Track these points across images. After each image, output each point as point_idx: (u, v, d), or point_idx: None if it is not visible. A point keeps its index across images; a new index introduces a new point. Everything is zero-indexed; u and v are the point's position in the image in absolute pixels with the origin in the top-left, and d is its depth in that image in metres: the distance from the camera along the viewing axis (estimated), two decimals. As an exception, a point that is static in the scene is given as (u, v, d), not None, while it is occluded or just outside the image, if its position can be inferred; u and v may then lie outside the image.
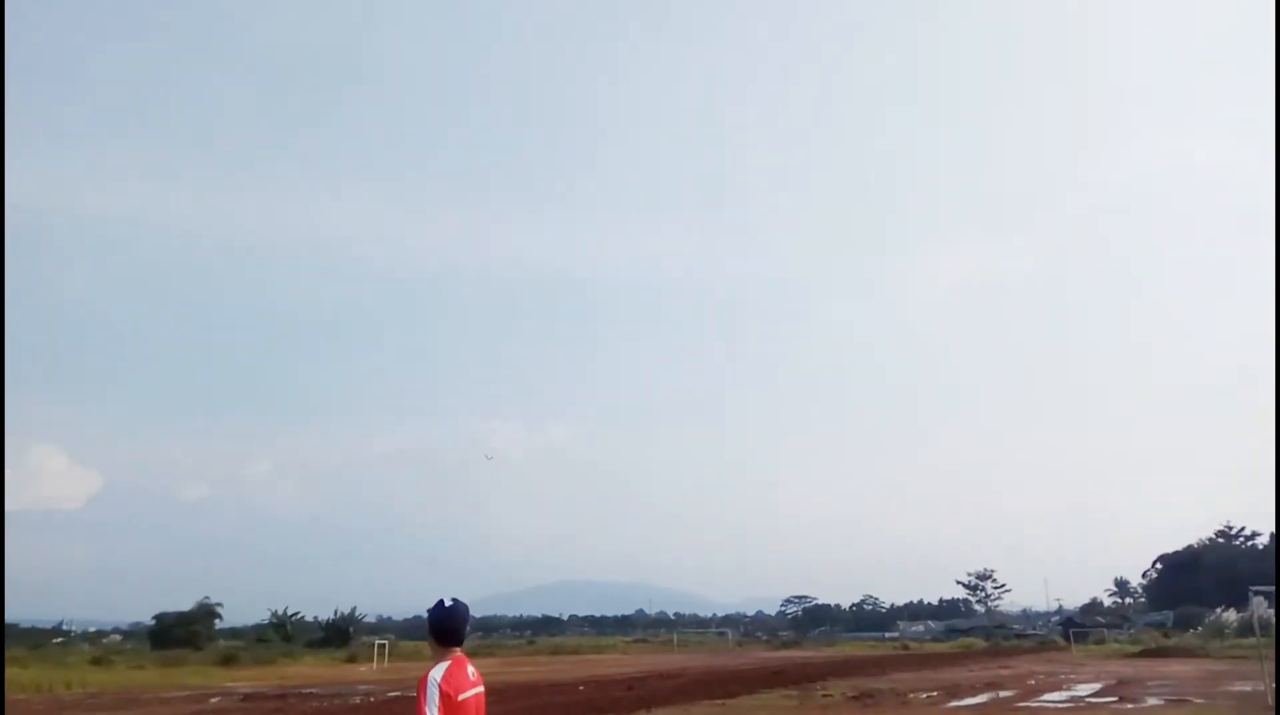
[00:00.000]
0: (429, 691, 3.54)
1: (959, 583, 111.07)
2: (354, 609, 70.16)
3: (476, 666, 3.86)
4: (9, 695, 28.27)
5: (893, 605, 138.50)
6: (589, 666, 42.44)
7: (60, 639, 76.80)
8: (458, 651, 3.76)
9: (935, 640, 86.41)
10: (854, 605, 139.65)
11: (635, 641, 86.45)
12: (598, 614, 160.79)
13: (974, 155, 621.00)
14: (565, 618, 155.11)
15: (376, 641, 55.58)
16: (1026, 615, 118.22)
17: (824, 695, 22.15)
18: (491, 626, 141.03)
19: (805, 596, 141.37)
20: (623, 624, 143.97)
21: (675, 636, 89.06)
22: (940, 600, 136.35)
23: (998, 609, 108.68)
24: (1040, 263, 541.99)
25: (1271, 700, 17.15)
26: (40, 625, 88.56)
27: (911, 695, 21.88)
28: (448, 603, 3.81)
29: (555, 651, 68.30)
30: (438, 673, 3.59)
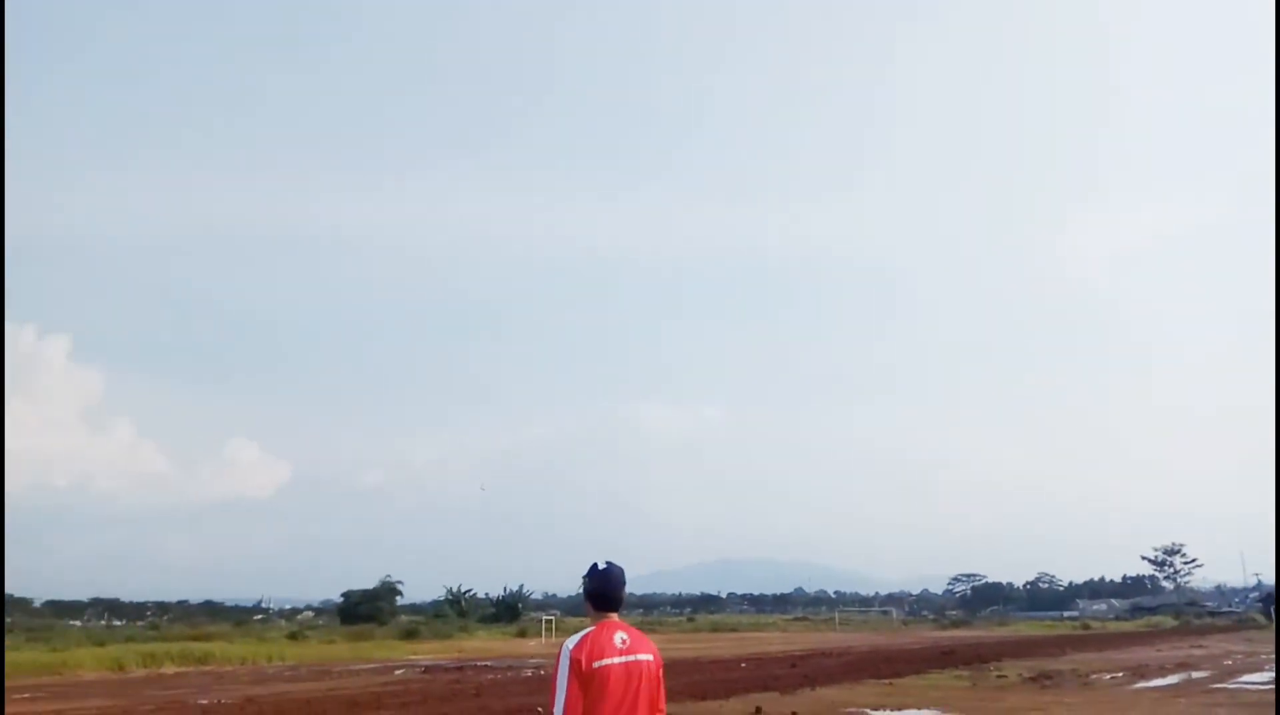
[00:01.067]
0: (560, 660, 3.27)
1: (1145, 558, 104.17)
2: (522, 586, 73.11)
3: (644, 633, 3.49)
4: (217, 666, 31.03)
5: (1071, 583, 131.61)
6: (750, 644, 42.51)
7: (260, 616, 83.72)
8: (612, 617, 3.45)
9: (1119, 619, 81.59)
10: (1028, 583, 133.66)
11: (795, 620, 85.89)
12: (756, 592, 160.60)
13: (1144, 112, 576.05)
14: (724, 595, 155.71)
15: (544, 617, 57.90)
16: (1221, 591, 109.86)
17: (998, 676, 21.31)
18: (651, 604, 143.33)
19: (974, 574, 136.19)
20: (782, 602, 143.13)
21: (837, 615, 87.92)
22: (1124, 577, 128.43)
23: (1188, 585, 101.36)
24: (1222, 215, 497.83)
25: None
26: (242, 604, 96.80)
27: (1094, 676, 20.73)
28: (601, 565, 3.54)
29: (715, 629, 68.75)
30: (572, 641, 3.32)
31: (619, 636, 3.35)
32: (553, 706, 3.21)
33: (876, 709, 15.01)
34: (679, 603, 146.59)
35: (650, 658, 3.39)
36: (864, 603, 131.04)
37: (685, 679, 20.76)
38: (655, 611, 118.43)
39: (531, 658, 32.88)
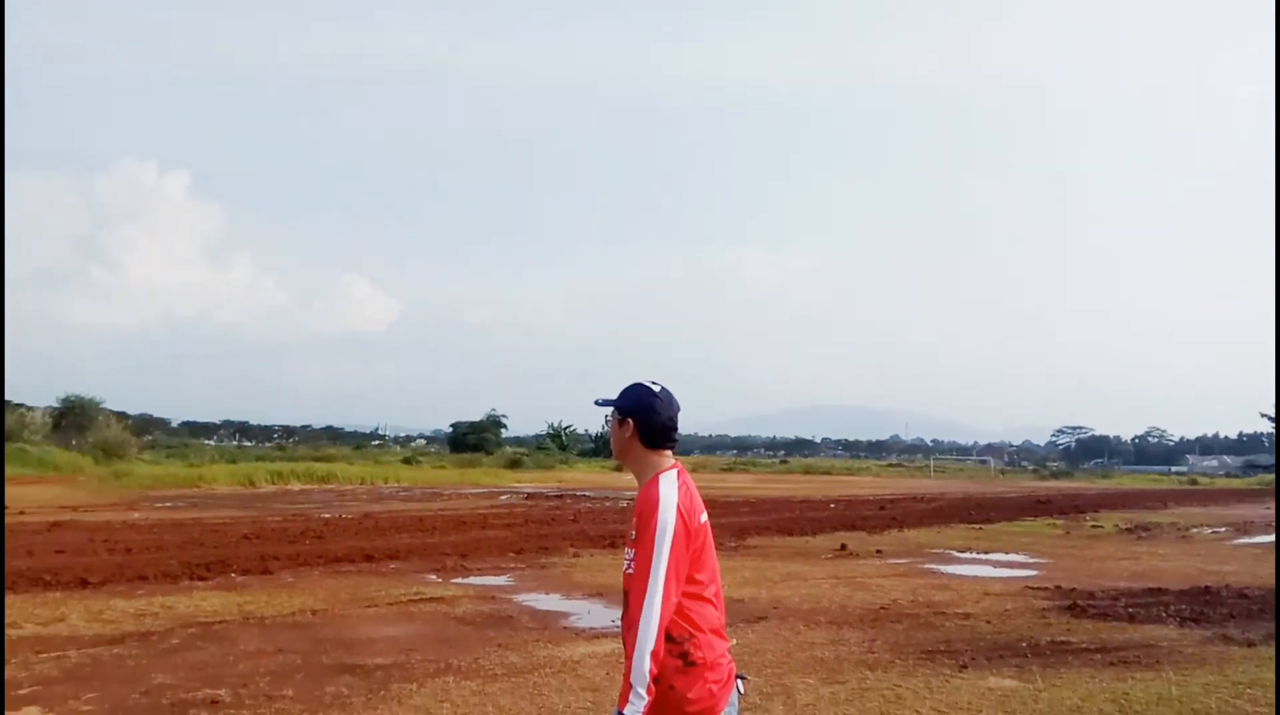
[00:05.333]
0: (662, 519, 2.19)
1: (1263, 415, 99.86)
2: (619, 423, 75.63)
3: None
4: (338, 486, 33.38)
5: (1182, 438, 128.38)
6: (841, 486, 43.17)
7: (377, 442, 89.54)
8: (672, 458, 2.39)
9: (1230, 476, 79.42)
10: (1136, 437, 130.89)
11: (889, 466, 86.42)
12: (851, 437, 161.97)
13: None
14: (818, 440, 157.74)
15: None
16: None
17: (1093, 526, 21.12)
18: (745, 446, 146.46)
19: (1080, 427, 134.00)
20: (876, 448, 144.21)
21: (932, 462, 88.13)
22: (1240, 434, 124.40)
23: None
24: None
25: None
26: (360, 430, 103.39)
27: (1194, 530, 20.33)
28: (654, 386, 2.39)
29: (807, 471, 69.85)
30: (670, 486, 2.27)
31: (694, 486, 2.40)
32: (647, 576, 2.16)
33: (963, 551, 15.12)
34: (773, 446, 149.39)
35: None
36: (962, 452, 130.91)
37: (773, 516, 21.29)
38: (749, 453, 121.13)
39: (627, 490, 34.22)
